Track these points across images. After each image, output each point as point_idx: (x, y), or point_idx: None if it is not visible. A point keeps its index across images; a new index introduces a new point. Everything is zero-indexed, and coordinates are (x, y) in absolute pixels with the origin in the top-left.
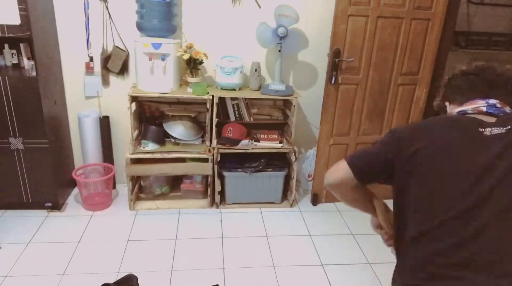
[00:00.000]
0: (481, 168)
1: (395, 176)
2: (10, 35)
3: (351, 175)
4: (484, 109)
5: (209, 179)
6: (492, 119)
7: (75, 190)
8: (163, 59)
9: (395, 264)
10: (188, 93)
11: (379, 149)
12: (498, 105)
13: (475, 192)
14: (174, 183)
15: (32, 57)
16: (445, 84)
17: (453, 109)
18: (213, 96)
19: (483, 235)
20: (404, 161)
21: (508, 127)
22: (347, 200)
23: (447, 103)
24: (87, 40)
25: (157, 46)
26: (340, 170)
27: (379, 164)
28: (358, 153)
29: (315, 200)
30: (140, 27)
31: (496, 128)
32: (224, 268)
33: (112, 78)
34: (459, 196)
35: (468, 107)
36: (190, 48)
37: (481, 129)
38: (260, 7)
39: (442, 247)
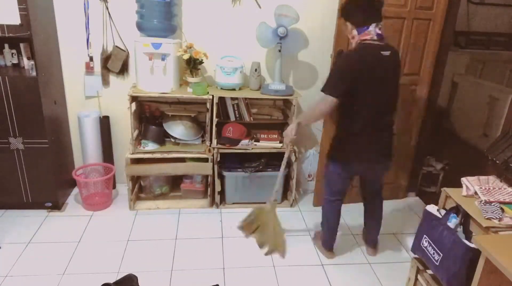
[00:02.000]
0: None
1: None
2: (10, 35)
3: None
4: (375, 37)
5: (209, 179)
6: (381, 43)
7: (75, 190)
8: (163, 59)
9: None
10: (188, 93)
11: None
12: (380, 32)
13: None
14: (174, 183)
15: (32, 57)
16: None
17: (352, 31)
18: (213, 96)
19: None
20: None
21: (391, 51)
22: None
23: (348, 23)
24: (87, 40)
25: (157, 46)
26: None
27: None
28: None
29: (315, 200)
30: (140, 27)
31: (386, 51)
32: (224, 268)
33: (112, 78)
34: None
35: (367, 37)
36: (190, 48)
37: (382, 52)
38: (260, 7)
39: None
